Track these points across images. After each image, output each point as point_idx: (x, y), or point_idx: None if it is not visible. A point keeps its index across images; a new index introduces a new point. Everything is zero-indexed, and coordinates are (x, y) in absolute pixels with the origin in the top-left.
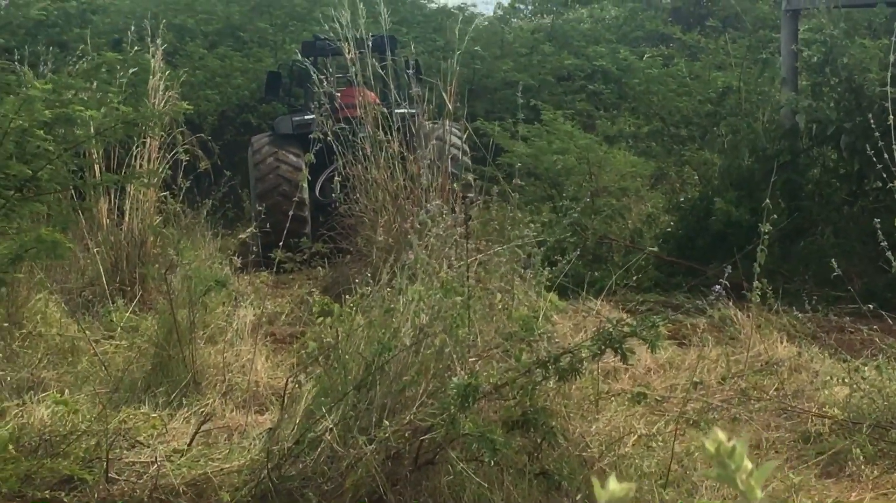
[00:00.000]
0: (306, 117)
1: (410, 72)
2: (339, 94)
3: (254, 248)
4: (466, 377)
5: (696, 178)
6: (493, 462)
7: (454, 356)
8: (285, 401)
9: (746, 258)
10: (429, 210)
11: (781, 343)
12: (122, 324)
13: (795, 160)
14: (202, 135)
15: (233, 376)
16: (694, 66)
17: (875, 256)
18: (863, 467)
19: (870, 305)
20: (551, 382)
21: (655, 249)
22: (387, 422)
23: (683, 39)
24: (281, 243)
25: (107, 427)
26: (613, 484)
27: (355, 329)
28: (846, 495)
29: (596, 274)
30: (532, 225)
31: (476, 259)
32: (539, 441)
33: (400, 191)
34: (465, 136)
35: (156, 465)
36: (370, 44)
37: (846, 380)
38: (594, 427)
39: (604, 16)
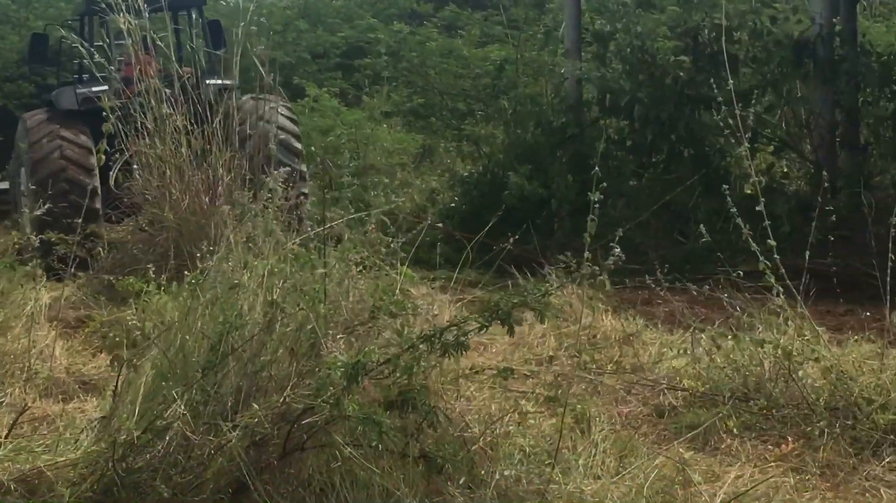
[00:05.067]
0: (94, 89)
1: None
2: (127, 64)
3: (27, 230)
4: (353, 354)
5: (475, 152)
6: (377, 445)
7: (318, 333)
8: (118, 387)
9: (535, 232)
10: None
11: (606, 316)
12: None
13: (582, 132)
14: None
15: (31, 363)
16: (455, 42)
17: (669, 228)
18: (730, 440)
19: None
20: (433, 359)
21: (441, 224)
22: (256, 406)
23: (439, 17)
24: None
25: None
26: None
27: (193, 308)
28: (724, 470)
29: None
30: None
31: (329, 227)
32: (420, 422)
33: (186, 167)
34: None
35: None
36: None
37: (685, 352)
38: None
39: None
